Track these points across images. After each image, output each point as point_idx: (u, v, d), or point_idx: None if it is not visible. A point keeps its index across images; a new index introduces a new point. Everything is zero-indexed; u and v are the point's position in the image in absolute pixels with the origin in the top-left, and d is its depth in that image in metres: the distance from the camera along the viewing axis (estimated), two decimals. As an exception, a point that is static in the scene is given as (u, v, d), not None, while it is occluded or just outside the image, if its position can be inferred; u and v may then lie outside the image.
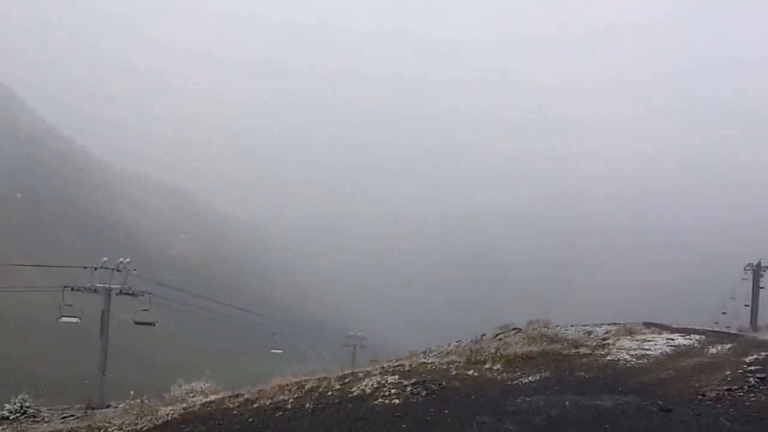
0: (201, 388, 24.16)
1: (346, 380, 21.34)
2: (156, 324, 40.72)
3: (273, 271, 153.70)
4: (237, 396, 21.05)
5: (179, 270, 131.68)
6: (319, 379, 21.66)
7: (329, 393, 20.00)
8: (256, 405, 19.65)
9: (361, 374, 22.17)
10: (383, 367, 23.31)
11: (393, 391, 19.69)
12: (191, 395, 23.02)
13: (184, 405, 21.04)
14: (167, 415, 20.03)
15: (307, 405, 18.84)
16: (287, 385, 21.17)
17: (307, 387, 20.74)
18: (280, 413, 18.55)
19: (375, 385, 20.20)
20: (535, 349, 26.19)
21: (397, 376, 21.23)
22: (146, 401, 22.77)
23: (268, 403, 19.58)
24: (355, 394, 19.75)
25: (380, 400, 19.00)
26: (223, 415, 19.19)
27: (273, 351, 69.29)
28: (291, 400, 19.56)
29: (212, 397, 21.85)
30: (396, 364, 24.19)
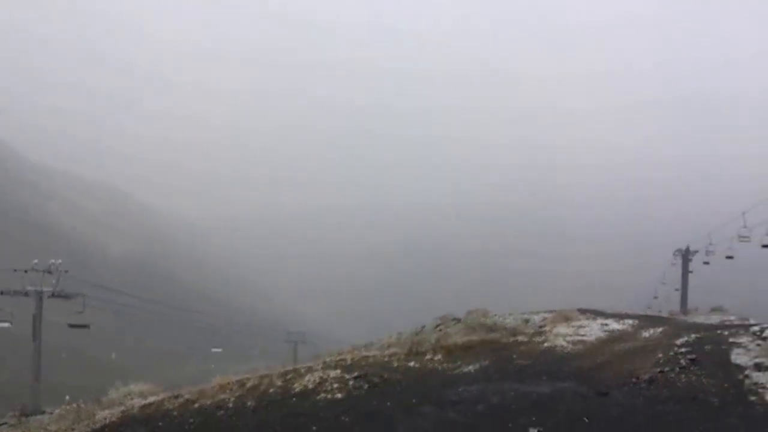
0: (140, 389, 23.64)
1: (288, 377, 21.23)
2: (90, 326, 39.64)
3: (212, 268, 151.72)
4: (177, 397, 20.69)
5: (117, 270, 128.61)
6: (261, 376, 21.49)
7: (271, 390, 19.86)
8: (196, 405, 19.36)
9: (303, 370, 22.07)
10: (325, 362, 23.27)
11: (335, 385, 19.68)
12: (130, 398, 22.50)
13: (123, 408, 20.57)
14: (105, 419, 19.55)
15: (249, 403, 18.67)
16: (228, 384, 20.92)
17: (248, 385, 20.54)
18: (222, 412, 18.33)
19: (317, 381, 20.16)
20: (474, 338, 26.52)
21: (339, 371, 21.21)
22: (83, 405, 22.18)
23: (209, 403, 19.32)
24: (297, 390, 19.66)
25: (323, 395, 18.98)
26: (162, 417, 18.83)
27: (213, 350, 68.35)
28: (232, 399, 19.34)
29: (151, 399, 21.42)
30: (338, 358, 24.18)
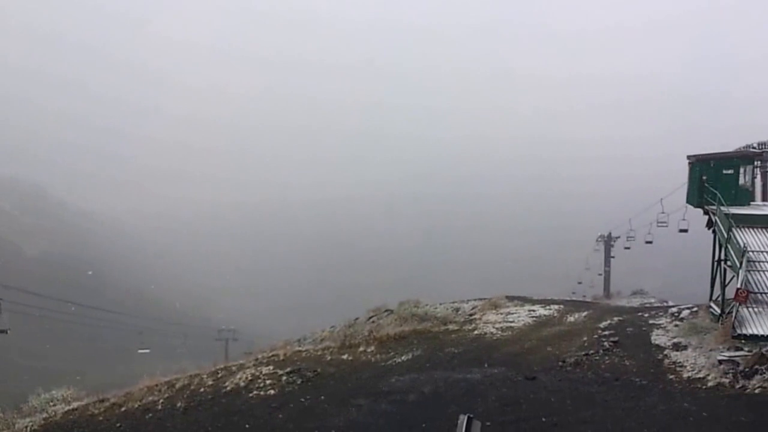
0: (63, 395, 22.73)
1: (219, 375, 20.89)
2: (8, 331, 37.99)
3: (137, 267, 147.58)
4: (102, 401, 20.02)
5: (34, 271, 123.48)
6: (191, 376, 21.06)
7: (201, 390, 19.50)
8: (123, 409, 18.82)
9: (234, 368, 21.77)
10: (257, 359, 23.01)
11: (268, 382, 19.52)
12: (52, 404, 21.63)
13: (45, 415, 19.77)
14: (26, 427, 18.76)
15: (179, 404, 18.28)
16: (156, 385, 20.41)
17: (177, 386, 20.10)
18: (150, 415, 17.89)
19: (249, 378, 19.93)
20: (406, 328, 26.72)
21: (271, 367, 21.03)
22: (1, 414, 21.24)
23: (136, 406, 18.81)
24: (228, 388, 19.39)
25: (255, 392, 18.78)
26: (87, 423, 18.22)
27: (140, 351, 66.45)
28: (161, 400, 18.89)
29: (75, 404, 20.65)
30: (270, 354, 23.93)
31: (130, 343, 76.59)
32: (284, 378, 19.71)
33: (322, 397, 17.92)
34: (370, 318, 32.87)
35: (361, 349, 23.88)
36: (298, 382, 19.45)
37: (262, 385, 19.28)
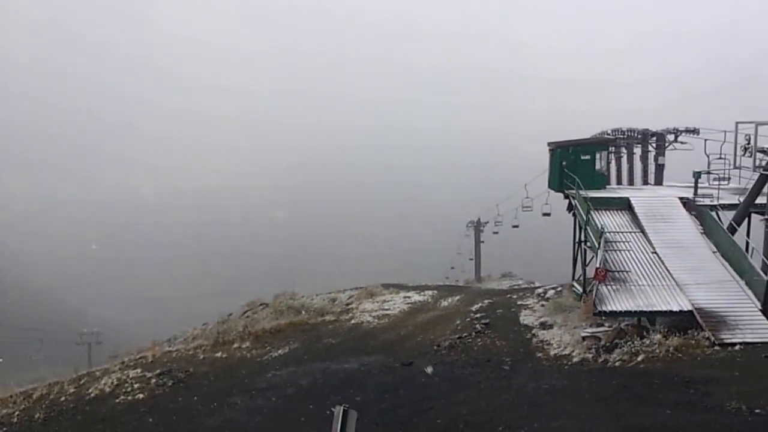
0: None
1: (82, 382, 19.67)
2: None
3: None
4: (-52, 419, 18.39)
5: None
6: (50, 384, 19.67)
7: (62, 398, 18.26)
8: (-27, 426, 17.32)
9: (98, 373, 20.58)
10: (123, 362, 21.89)
11: (136, 385, 18.57)
12: None
13: None
14: None
15: (38, 415, 17.02)
16: (11, 396, 18.89)
17: (35, 395, 18.70)
18: (5, 429, 16.55)
19: (115, 383, 18.88)
20: (282, 322, 26.42)
21: (139, 370, 20.07)
22: None
23: (-10, 421, 17.36)
24: (93, 395, 18.27)
25: (122, 397, 17.82)
26: (-68, 444, 16.64)
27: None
28: (17, 412, 17.50)
29: None
30: (138, 356, 22.86)
31: (-21, 354, 71.03)
32: (153, 381, 18.85)
33: (196, 398, 17.29)
34: (245, 313, 32.22)
35: (236, 345, 23.33)
36: (169, 384, 18.66)
37: (129, 389, 18.31)
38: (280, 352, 22.04)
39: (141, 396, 17.79)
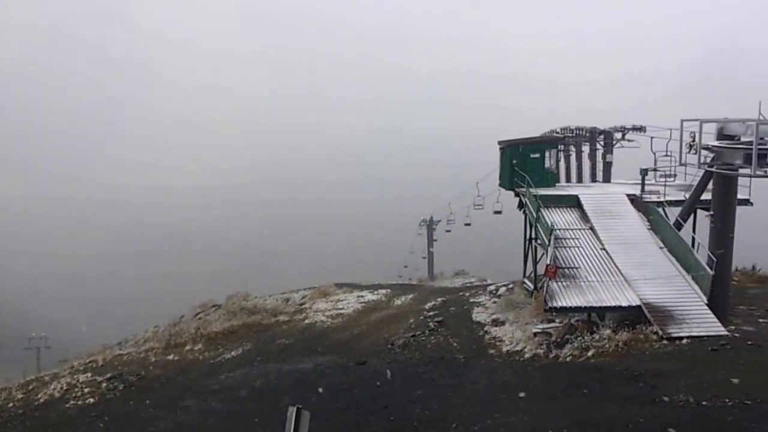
0: None
1: (30, 387, 19.23)
2: None
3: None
4: None
5: None
6: (-3, 390, 19.20)
7: (10, 405, 17.83)
8: None
9: (47, 378, 20.15)
10: (73, 367, 21.46)
11: (86, 390, 18.25)
12: None
13: None
14: None
15: (-17, 423, 16.59)
16: (-44, 404, 18.39)
17: (-19, 403, 18.23)
18: (-50, 438, 16.10)
19: (65, 388, 18.51)
20: (235, 323, 26.21)
21: (89, 374, 19.70)
22: None
23: (-70, 430, 16.85)
24: (42, 400, 17.89)
25: (72, 402, 17.49)
26: None
27: None
28: (-39, 421, 17.05)
29: None
30: (88, 360, 22.44)
31: None
32: (104, 385, 18.54)
33: (147, 402, 17.07)
34: (197, 314, 31.84)
35: (188, 347, 23.10)
36: (120, 387, 18.38)
37: (79, 394, 17.98)
38: (233, 353, 21.88)
39: (91, 401, 17.49)
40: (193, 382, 18.60)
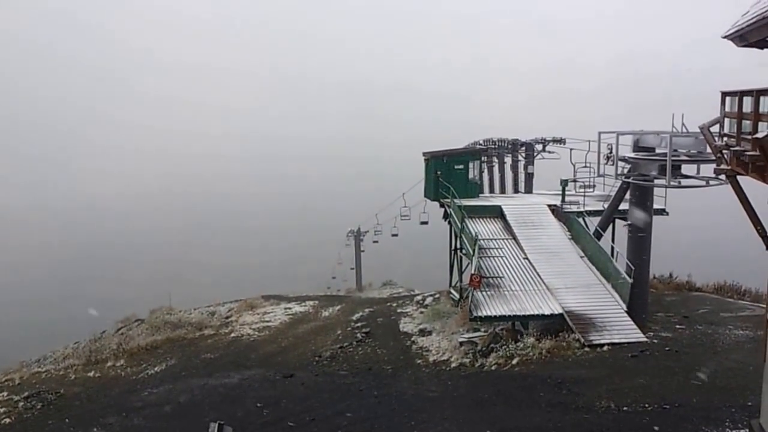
0: None
1: (-61, 409, 18.30)
2: None
3: None
4: None
5: None
6: None
7: None
8: None
9: (-41, 398, 19.21)
10: (-13, 386, 20.55)
11: (2, 410, 17.50)
12: None
13: None
14: None
15: None
16: None
17: None
18: None
19: (-22, 408, 17.70)
20: (159, 338, 25.64)
21: (5, 393, 18.93)
22: None
23: None
24: (-47, 422, 17.06)
25: (-14, 423, 16.74)
26: None
27: None
28: None
29: None
30: (4, 379, 21.52)
31: None
32: (21, 404, 17.83)
33: (67, 420, 16.51)
34: (119, 329, 30.94)
35: (110, 363, 22.45)
36: (39, 406, 17.71)
37: (-7, 414, 17.24)
38: (156, 369, 21.40)
39: (8, 420, 16.78)
40: (114, 399, 18.09)
